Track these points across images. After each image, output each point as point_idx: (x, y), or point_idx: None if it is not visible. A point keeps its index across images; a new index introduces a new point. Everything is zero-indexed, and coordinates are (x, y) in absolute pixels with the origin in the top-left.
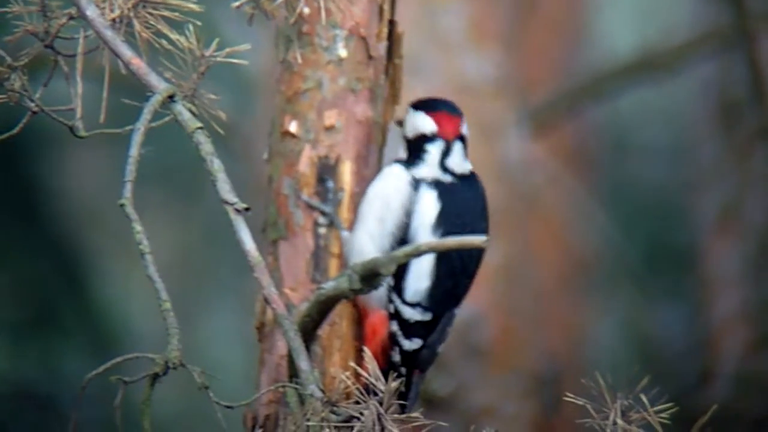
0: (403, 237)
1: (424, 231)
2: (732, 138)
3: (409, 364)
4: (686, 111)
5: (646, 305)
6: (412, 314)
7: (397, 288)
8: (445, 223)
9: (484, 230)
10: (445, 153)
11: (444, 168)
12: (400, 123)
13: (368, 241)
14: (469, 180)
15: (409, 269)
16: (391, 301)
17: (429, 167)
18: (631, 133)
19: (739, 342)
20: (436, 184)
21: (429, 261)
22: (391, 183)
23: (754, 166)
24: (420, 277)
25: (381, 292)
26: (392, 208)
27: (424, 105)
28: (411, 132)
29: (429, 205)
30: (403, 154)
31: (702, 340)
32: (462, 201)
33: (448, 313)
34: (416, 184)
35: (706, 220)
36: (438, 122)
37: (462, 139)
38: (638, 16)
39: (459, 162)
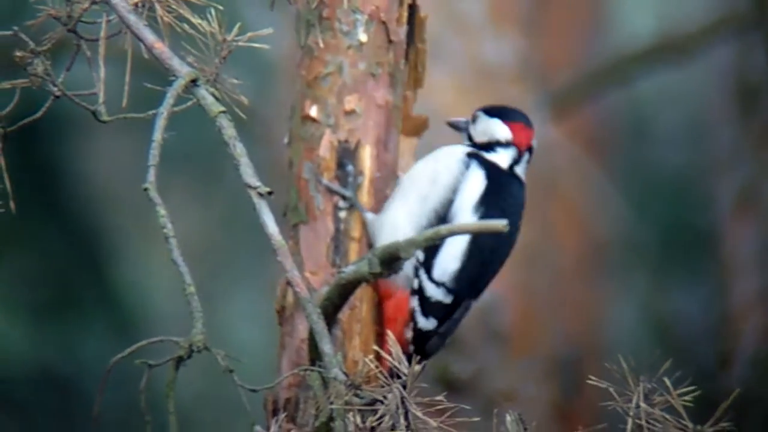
0: (444, 214)
1: (465, 210)
2: (750, 122)
3: (419, 344)
4: (704, 95)
5: (664, 289)
6: (435, 293)
7: (427, 264)
8: (487, 205)
9: (516, 223)
10: (516, 161)
11: (511, 172)
12: (454, 125)
13: (404, 219)
14: (518, 179)
15: (442, 248)
16: (417, 276)
17: (497, 159)
18: (650, 117)
19: (757, 325)
20: (487, 165)
21: (462, 244)
22: (442, 161)
23: None
24: (451, 257)
25: (408, 272)
26: (439, 184)
27: (501, 113)
28: (484, 137)
29: (476, 183)
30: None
31: (720, 324)
32: (506, 188)
33: (466, 302)
34: (468, 161)
35: (724, 203)
36: (514, 131)
37: (531, 150)
38: (657, 1)
39: (522, 171)
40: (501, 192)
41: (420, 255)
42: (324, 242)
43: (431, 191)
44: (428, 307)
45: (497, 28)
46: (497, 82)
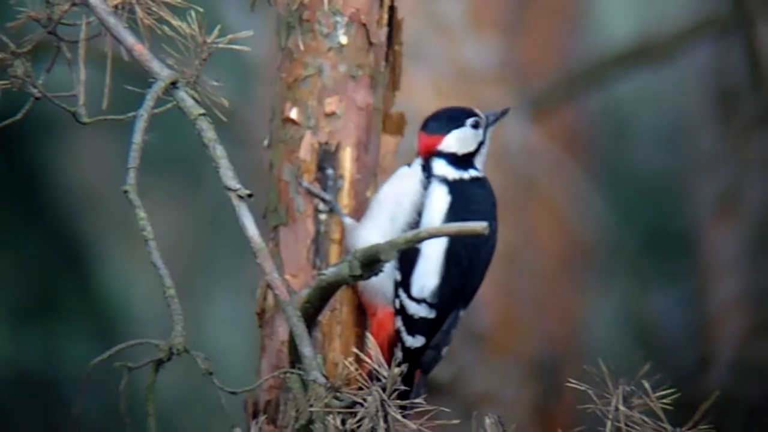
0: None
1: (436, 224)
2: (730, 124)
3: (411, 363)
4: (684, 97)
5: (644, 291)
6: (417, 310)
7: (404, 283)
8: (455, 218)
9: (492, 227)
10: (424, 167)
11: (471, 177)
12: None
13: (380, 239)
14: (479, 181)
15: (417, 265)
16: (397, 296)
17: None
18: (630, 120)
19: (737, 328)
20: (446, 181)
21: (437, 258)
22: (404, 183)
23: (751, 153)
24: (428, 273)
25: (387, 289)
26: (403, 206)
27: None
28: None
29: (439, 200)
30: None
31: (700, 326)
32: (472, 197)
33: (454, 314)
34: (427, 181)
35: (704, 206)
36: (418, 139)
37: (441, 155)
38: (637, 3)
39: (447, 171)
40: (468, 203)
41: (397, 275)
42: (304, 244)
43: (398, 212)
44: (413, 324)
45: (477, 30)
46: (477, 84)
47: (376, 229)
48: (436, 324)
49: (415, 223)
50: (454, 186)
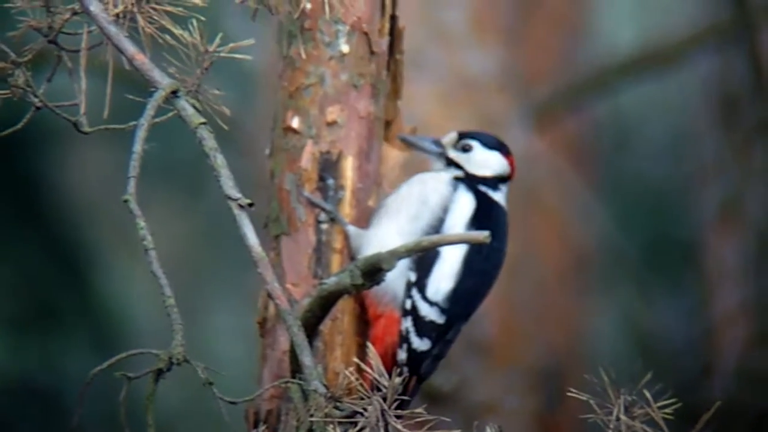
0: (436, 234)
1: (457, 228)
2: (733, 133)
3: (413, 366)
4: (687, 106)
5: (646, 300)
6: (429, 312)
7: (420, 284)
8: (478, 225)
9: (503, 247)
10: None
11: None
12: (418, 147)
13: (395, 237)
14: (502, 207)
15: (435, 267)
16: (410, 296)
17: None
18: (633, 128)
19: (739, 337)
20: (473, 189)
21: (455, 264)
22: (430, 183)
23: (754, 161)
24: (444, 276)
25: (399, 291)
26: (430, 204)
27: (497, 145)
28: (485, 170)
29: (465, 204)
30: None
31: (702, 336)
32: (494, 212)
33: (458, 325)
34: (455, 183)
35: (706, 214)
36: (511, 165)
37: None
38: (640, 11)
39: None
40: (490, 214)
41: (412, 275)
42: (306, 254)
43: (422, 211)
44: (422, 327)
45: (479, 38)
46: (479, 92)
47: (394, 227)
48: (444, 330)
49: (439, 221)
50: (480, 195)
